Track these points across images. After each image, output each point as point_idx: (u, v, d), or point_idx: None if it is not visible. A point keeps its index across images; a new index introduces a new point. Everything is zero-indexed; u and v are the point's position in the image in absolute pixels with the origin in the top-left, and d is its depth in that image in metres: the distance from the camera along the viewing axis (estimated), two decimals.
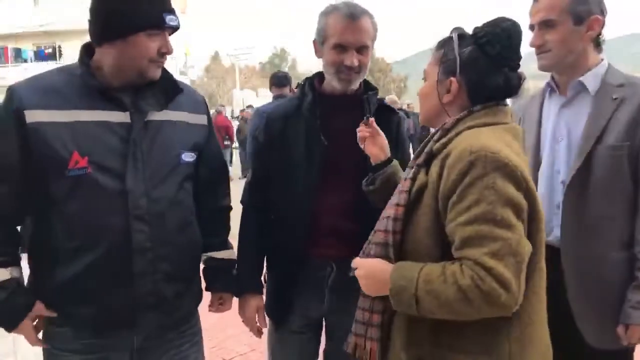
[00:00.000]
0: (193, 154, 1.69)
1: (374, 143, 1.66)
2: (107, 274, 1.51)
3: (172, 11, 1.54)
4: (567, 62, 1.73)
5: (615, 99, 1.66)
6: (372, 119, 1.66)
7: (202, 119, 1.76)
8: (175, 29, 1.58)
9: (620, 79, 1.71)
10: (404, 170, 1.65)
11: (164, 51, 1.54)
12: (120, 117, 1.54)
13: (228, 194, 1.94)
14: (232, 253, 1.92)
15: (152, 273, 1.56)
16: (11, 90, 1.49)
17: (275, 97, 4.83)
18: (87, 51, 1.58)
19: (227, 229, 1.96)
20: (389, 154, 1.67)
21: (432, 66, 1.42)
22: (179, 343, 1.73)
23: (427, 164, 1.34)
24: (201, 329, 1.86)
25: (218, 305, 1.93)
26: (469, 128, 1.31)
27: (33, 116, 1.45)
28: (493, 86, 1.34)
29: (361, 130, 1.66)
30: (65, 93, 1.50)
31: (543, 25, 1.72)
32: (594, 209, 1.67)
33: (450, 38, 1.38)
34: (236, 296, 1.94)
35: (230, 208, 1.95)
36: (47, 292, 1.55)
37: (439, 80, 1.37)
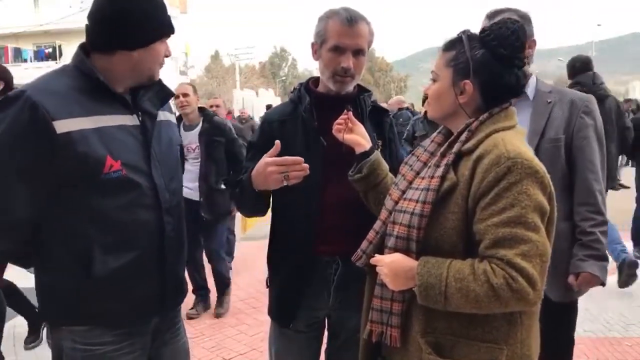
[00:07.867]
0: (178, 148, 1.86)
1: (354, 133, 1.71)
2: (144, 267, 1.58)
3: None
4: None
5: (550, 102, 2.08)
6: (350, 111, 1.70)
7: (173, 118, 1.90)
8: None
9: (548, 87, 2.14)
10: (391, 170, 1.70)
11: (167, 54, 1.63)
12: (131, 119, 1.60)
13: None
14: None
15: (176, 261, 1.70)
16: (31, 101, 1.40)
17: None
18: (87, 55, 1.57)
19: None
20: (370, 143, 1.71)
21: (443, 68, 1.44)
22: (177, 320, 1.86)
23: (454, 163, 1.37)
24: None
25: None
26: (495, 131, 1.35)
27: (63, 126, 1.42)
28: (506, 86, 1.39)
29: (336, 124, 1.70)
30: (80, 98, 1.50)
31: None
32: None
33: (459, 39, 1.41)
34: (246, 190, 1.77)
35: None
36: (82, 291, 1.52)
37: (453, 82, 1.40)
